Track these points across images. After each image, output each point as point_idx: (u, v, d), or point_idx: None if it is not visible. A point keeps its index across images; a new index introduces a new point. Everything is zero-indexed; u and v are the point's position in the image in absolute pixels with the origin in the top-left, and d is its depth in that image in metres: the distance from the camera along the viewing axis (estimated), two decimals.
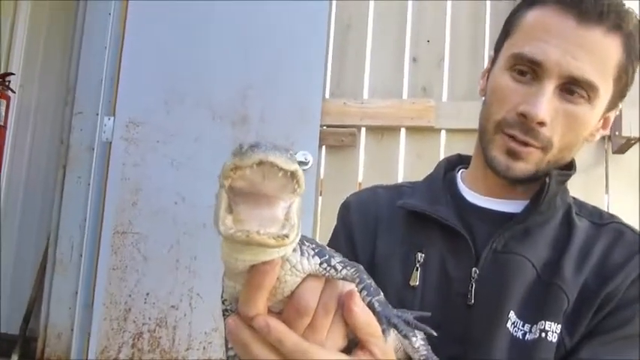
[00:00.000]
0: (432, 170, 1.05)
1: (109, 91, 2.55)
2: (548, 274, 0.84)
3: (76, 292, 2.46)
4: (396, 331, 0.60)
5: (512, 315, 0.83)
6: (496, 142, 0.87)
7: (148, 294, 2.38)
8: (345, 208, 1.06)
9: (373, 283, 0.61)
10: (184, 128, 2.43)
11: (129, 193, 2.44)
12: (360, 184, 2.37)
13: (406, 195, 1.00)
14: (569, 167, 0.92)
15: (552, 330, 0.80)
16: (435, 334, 0.60)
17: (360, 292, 0.60)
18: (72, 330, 2.45)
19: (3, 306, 3.08)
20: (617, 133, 2.18)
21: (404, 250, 0.92)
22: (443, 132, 2.34)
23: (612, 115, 0.91)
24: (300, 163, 2.18)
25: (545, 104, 0.82)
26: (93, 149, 2.52)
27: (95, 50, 2.58)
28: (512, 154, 0.86)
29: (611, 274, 0.83)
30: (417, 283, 0.89)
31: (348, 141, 2.38)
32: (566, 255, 0.85)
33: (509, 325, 0.82)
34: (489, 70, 0.94)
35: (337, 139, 2.39)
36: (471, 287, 0.86)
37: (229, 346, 0.65)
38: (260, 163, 0.47)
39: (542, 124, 0.83)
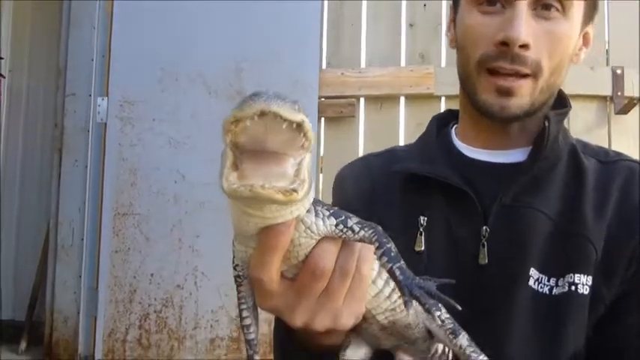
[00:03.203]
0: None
1: (101, 71, 2.53)
2: (568, 223, 0.82)
3: (80, 276, 2.47)
4: (418, 304, 0.57)
5: (533, 272, 0.81)
6: (482, 84, 0.84)
7: (152, 275, 2.39)
8: (339, 182, 1.04)
9: (394, 247, 0.59)
10: (180, 105, 2.42)
11: (127, 174, 2.44)
12: (367, 153, 2.34)
13: (401, 159, 0.98)
14: (564, 104, 0.90)
15: (582, 282, 0.78)
16: (459, 308, 0.57)
17: (380, 257, 0.58)
18: (78, 314, 2.47)
19: (9, 293, 3.10)
20: (619, 93, 2.18)
21: (405, 216, 0.91)
22: (443, 99, 2.33)
23: (590, 30, 0.89)
24: None
25: (524, 25, 0.79)
26: (88, 131, 2.51)
27: (84, 30, 2.55)
28: (503, 92, 0.82)
29: (636, 219, 0.81)
30: (423, 248, 0.87)
31: (347, 112, 2.38)
32: (582, 200, 0.83)
33: (531, 282, 0.80)
34: (454, 20, 0.91)
35: (336, 110, 2.38)
36: (483, 247, 0.84)
37: (244, 314, 0.63)
38: (262, 114, 0.44)
39: (525, 46, 0.80)
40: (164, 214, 2.39)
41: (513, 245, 0.83)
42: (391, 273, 0.57)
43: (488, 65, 0.82)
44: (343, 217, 0.58)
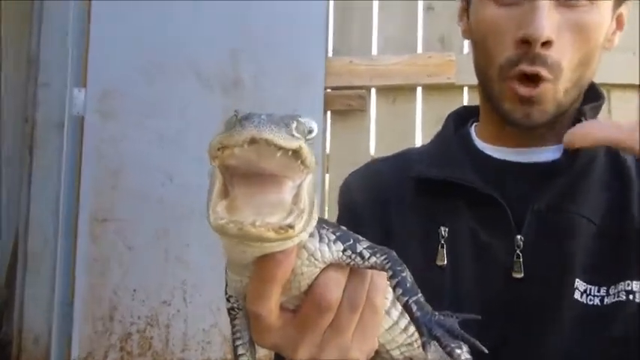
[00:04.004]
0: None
1: (78, 59, 2.49)
2: (616, 226, 0.82)
3: (53, 291, 2.44)
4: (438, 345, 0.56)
5: (579, 283, 0.81)
6: (505, 92, 0.85)
7: (135, 289, 2.37)
8: (346, 191, 1.05)
9: (410, 277, 0.59)
10: (168, 98, 2.41)
11: (108, 175, 2.42)
12: (372, 157, 2.36)
13: (415, 163, 0.99)
14: (597, 97, 0.90)
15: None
16: (486, 351, 0.56)
17: (394, 288, 0.58)
18: (50, 334, 2.42)
19: None
20: None
21: (423, 227, 0.91)
22: (466, 89, 2.30)
23: (625, 10, 0.88)
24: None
25: (546, 19, 0.79)
26: (63, 126, 2.47)
27: (58, 12, 2.49)
28: (526, 100, 0.84)
29: None
30: (445, 261, 0.88)
31: (357, 104, 2.36)
32: (629, 198, 0.83)
33: (577, 295, 0.80)
34: (466, 9, 0.92)
35: (344, 102, 2.37)
36: (517, 258, 0.83)
37: (240, 351, 0.64)
38: (252, 142, 0.45)
39: (548, 43, 0.80)
40: (149, 220, 2.37)
41: (553, 255, 0.82)
42: (407, 308, 0.57)
43: (510, 72, 0.84)
44: (351, 242, 0.59)
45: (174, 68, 2.41)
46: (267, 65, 2.35)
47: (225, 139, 0.46)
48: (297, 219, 0.49)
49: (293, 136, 0.47)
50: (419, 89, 2.36)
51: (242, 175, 0.50)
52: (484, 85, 0.91)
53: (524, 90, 0.83)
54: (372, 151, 2.36)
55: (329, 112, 2.39)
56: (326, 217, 2.28)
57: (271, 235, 0.47)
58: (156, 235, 2.37)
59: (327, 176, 2.36)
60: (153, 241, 2.37)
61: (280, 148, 0.45)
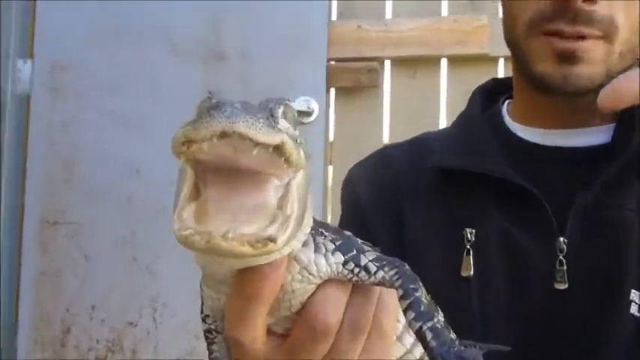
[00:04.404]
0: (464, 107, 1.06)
1: (24, 25, 2.47)
2: None
3: None
4: None
5: (635, 295, 0.81)
6: (536, 49, 0.86)
7: (94, 307, 2.35)
8: (350, 185, 1.08)
9: (424, 296, 0.59)
10: (135, 71, 2.39)
11: (60, 166, 2.39)
12: (385, 145, 2.31)
13: (434, 150, 1.00)
14: None
15: None
16: None
17: (405, 311, 0.58)
18: None
19: None
20: None
21: (444, 229, 0.93)
22: (501, 61, 2.28)
23: None
24: (302, 114, 2.24)
25: None
26: (4, 106, 2.42)
27: None
28: (566, 57, 0.83)
29: None
30: (471, 272, 0.89)
31: (367, 80, 2.33)
32: None
33: (634, 309, 0.80)
34: None
35: (351, 77, 2.34)
36: (560, 265, 0.84)
37: None
38: (223, 135, 0.45)
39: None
40: (111, 222, 2.35)
41: (603, 261, 0.83)
42: (420, 335, 0.57)
43: (542, 28, 0.85)
44: (354, 252, 0.59)
45: (142, 36, 2.39)
46: (256, 33, 2.33)
47: (190, 132, 0.46)
48: (281, 228, 0.48)
49: (274, 127, 0.47)
50: (443, 61, 2.33)
51: (216, 171, 0.50)
52: (512, 47, 0.92)
53: (563, 43, 0.83)
54: (386, 137, 2.34)
55: (332, 90, 2.36)
56: (329, 219, 2.40)
57: (246, 250, 0.46)
58: (120, 240, 2.34)
59: (329, 168, 2.34)
60: (116, 248, 2.34)
61: (257, 143, 0.45)
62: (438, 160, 0.97)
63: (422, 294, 0.59)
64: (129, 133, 2.38)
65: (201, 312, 0.64)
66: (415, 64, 2.34)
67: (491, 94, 1.06)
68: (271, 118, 0.49)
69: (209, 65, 2.37)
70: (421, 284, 0.60)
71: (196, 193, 0.51)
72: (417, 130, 1.19)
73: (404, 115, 2.35)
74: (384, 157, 1.08)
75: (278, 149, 0.47)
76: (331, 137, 2.36)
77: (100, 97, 2.40)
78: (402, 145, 1.10)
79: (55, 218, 2.39)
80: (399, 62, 2.37)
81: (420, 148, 1.05)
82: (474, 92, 1.07)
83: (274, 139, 0.46)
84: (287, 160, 0.48)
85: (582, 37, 0.82)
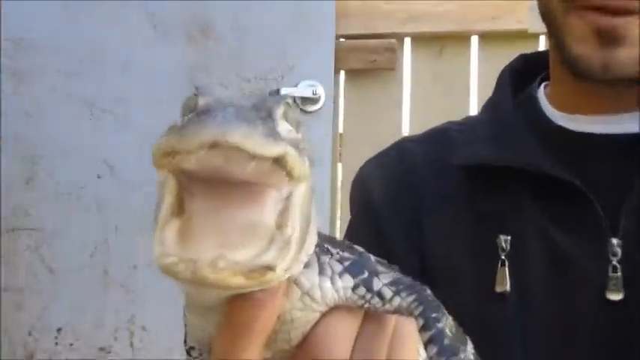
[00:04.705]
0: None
1: None
2: None
3: None
4: None
5: None
6: (573, 27, 0.87)
7: (60, 329, 2.33)
8: (361, 186, 1.09)
9: (449, 326, 0.61)
10: (107, 51, 2.38)
11: (19, 164, 2.37)
12: (403, 137, 2.34)
13: (459, 143, 1.02)
14: None
15: None
16: None
17: (427, 345, 0.60)
18: None
19: None
20: None
21: (473, 236, 0.94)
22: (542, 38, 2.28)
23: None
24: (307, 101, 2.26)
25: None
26: None
27: None
28: (606, 36, 0.84)
29: None
30: (507, 287, 0.90)
31: (384, 60, 2.32)
32: None
33: None
34: None
35: (365, 58, 2.33)
36: (614, 271, 0.85)
37: None
38: (214, 146, 0.44)
39: None
40: (80, 229, 2.34)
41: None
42: None
43: (581, 1, 0.86)
44: (366, 275, 0.60)
45: (118, 10, 2.38)
46: (251, 3, 2.32)
47: (175, 143, 0.45)
48: (282, 254, 0.49)
49: (274, 135, 0.47)
50: (474, 39, 2.34)
51: (204, 181, 0.50)
52: (547, 23, 0.93)
53: (603, 19, 0.84)
54: (406, 128, 2.34)
55: (342, 73, 2.36)
56: (338, 223, 2.35)
57: (239, 281, 0.47)
58: (90, 251, 2.33)
59: (339, 166, 2.34)
60: (86, 259, 2.33)
61: (254, 155, 0.45)
62: (464, 154, 0.98)
63: (446, 324, 0.60)
64: (102, 123, 2.36)
65: (185, 343, 0.65)
66: (441, 42, 2.35)
67: (522, 74, 1.07)
68: (270, 120, 0.49)
69: (194, 43, 2.36)
70: (445, 312, 0.61)
71: (180, 208, 0.50)
72: (443, 120, 1.20)
73: (427, 102, 2.34)
74: (401, 152, 1.09)
75: (278, 161, 0.46)
76: (341, 129, 2.36)
77: (68, 80, 2.37)
78: (420, 138, 1.11)
79: (15, 224, 2.36)
80: (421, 40, 2.37)
81: (442, 141, 1.06)
82: (502, 73, 1.08)
83: (274, 150, 0.46)
84: (289, 173, 0.47)
85: (627, 13, 0.83)
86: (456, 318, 0.65)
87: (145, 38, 2.38)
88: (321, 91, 2.27)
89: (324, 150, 2.26)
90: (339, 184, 2.34)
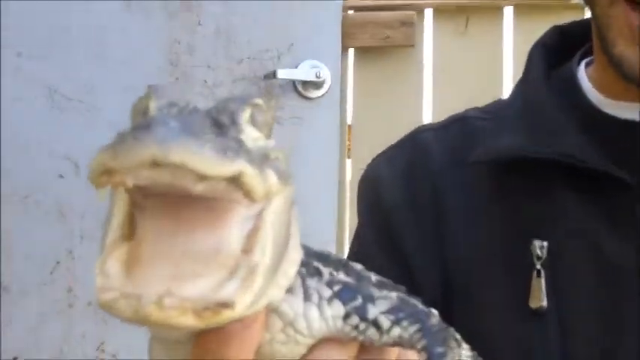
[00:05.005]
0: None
1: None
2: None
3: None
4: None
5: None
6: (615, 22, 0.90)
7: (16, 359, 2.29)
8: (369, 187, 1.12)
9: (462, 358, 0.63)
10: (71, 28, 2.35)
11: None
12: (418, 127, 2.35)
13: (485, 132, 1.04)
14: None
15: None
16: None
17: None
18: None
19: None
20: None
21: (503, 241, 0.96)
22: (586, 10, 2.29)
23: None
24: (309, 86, 2.27)
25: None
26: None
27: None
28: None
29: None
30: (543, 302, 0.91)
31: (400, 37, 2.34)
32: None
33: None
34: None
35: (378, 33, 2.35)
36: None
37: None
38: (155, 164, 0.45)
39: None
40: (39, 240, 2.30)
41: None
42: None
43: None
44: (359, 302, 0.61)
45: None
46: None
47: (108, 161, 0.45)
48: (245, 285, 0.48)
49: (227, 151, 0.46)
50: (507, 10, 2.39)
51: (160, 196, 0.50)
52: (594, 16, 0.96)
53: (634, 16, 0.87)
54: (427, 115, 2.37)
55: (351, 51, 2.38)
56: (346, 230, 2.32)
57: (188, 321, 0.46)
58: (52, 265, 2.30)
59: (348, 163, 2.35)
60: (46, 276, 2.29)
61: (204, 176, 0.45)
62: (492, 147, 0.99)
63: (455, 358, 0.61)
64: (66, 113, 2.33)
65: None
66: (467, 13, 2.38)
67: (557, 50, 1.08)
68: (232, 128, 0.50)
69: (175, 19, 2.34)
70: (455, 344, 0.63)
71: (131, 229, 0.51)
72: (471, 105, 1.19)
73: (452, 86, 2.37)
74: (416, 144, 1.10)
75: (234, 180, 0.47)
76: (349, 119, 2.37)
77: (24, 62, 2.34)
78: (438, 127, 1.13)
79: None
80: (444, 12, 2.41)
81: (464, 130, 1.07)
82: (533, 50, 1.09)
83: (225, 169, 0.46)
84: (247, 195, 0.48)
85: None
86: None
87: (120, 17, 2.36)
88: (325, 74, 2.25)
89: (329, 143, 2.25)
90: (347, 183, 2.34)
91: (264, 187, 0.48)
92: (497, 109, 1.10)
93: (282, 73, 2.21)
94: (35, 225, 2.31)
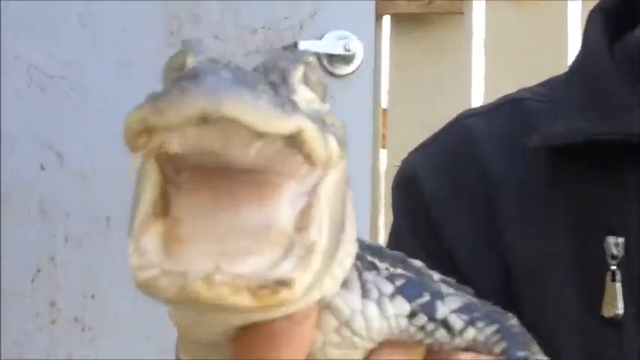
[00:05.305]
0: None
1: None
2: None
3: None
4: None
5: None
6: None
7: None
8: (409, 182, 1.14)
9: None
10: (58, 4, 2.36)
11: None
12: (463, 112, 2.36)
13: (542, 115, 1.05)
14: None
15: None
16: None
17: None
18: None
19: None
20: None
21: (570, 238, 0.98)
22: None
23: None
24: (336, 61, 2.26)
25: None
26: None
27: None
28: None
29: None
30: (620, 309, 0.92)
31: (446, 3, 2.37)
32: None
33: None
34: None
35: (416, 1, 2.35)
36: None
37: None
38: (204, 120, 0.45)
39: None
40: (18, 243, 2.29)
41: None
42: None
43: None
44: (427, 298, 0.62)
45: None
46: None
47: (150, 117, 0.46)
48: (303, 265, 0.49)
49: (287, 105, 0.47)
50: None
51: (196, 169, 0.51)
52: None
53: None
54: (477, 99, 2.37)
55: (386, 19, 2.39)
56: (380, 228, 2.36)
57: (244, 301, 0.47)
58: (32, 273, 2.30)
59: (382, 153, 2.37)
60: (26, 285, 2.30)
61: (259, 134, 0.45)
62: (550, 131, 0.99)
63: None
64: (49, 94, 2.34)
65: None
66: None
67: (619, 15, 1.07)
68: (283, 86, 0.50)
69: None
70: (538, 348, 0.63)
71: (164, 207, 0.52)
72: (529, 83, 1.20)
73: (508, 62, 2.40)
74: (461, 132, 1.11)
75: (294, 140, 0.47)
76: (384, 101, 2.37)
77: (4, 37, 2.34)
78: (487, 111, 1.14)
79: None
80: None
81: (517, 114, 1.08)
82: (590, 16, 1.09)
83: (286, 125, 0.46)
84: (307, 157, 0.48)
85: None
86: (549, 350, 0.65)
87: None
88: (356, 47, 2.24)
89: (361, 130, 2.24)
90: (381, 175, 2.34)
91: (327, 151, 0.49)
92: (553, 87, 1.10)
93: (304, 46, 2.19)
94: (12, 225, 2.31)
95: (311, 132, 0.47)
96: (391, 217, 1.24)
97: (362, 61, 2.26)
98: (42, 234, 2.31)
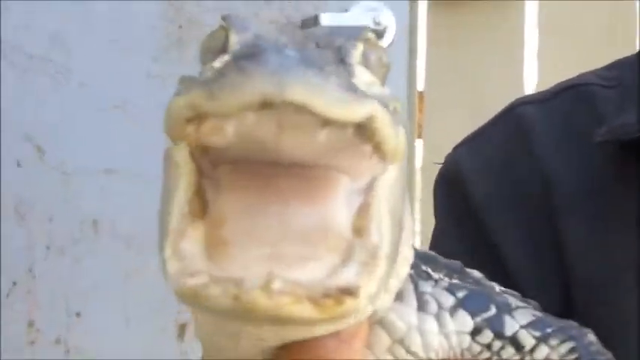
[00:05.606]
0: None
1: None
2: None
3: None
4: None
5: None
6: None
7: None
8: (454, 180, 1.18)
9: None
10: None
11: None
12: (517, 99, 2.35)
13: (609, 104, 1.09)
14: None
15: None
16: None
17: None
18: None
19: None
20: None
21: (638, 238, 1.01)
22: None
23: None
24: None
25: None
26: None
27: None
28: None
29: None
30: None
31: None
32: None
33: None
34: None
35: None
36: None
37: None
38: (266, 105, 0.47)
39: None
40: None
41: None
42: None
43: None
44: (493, 312, 0.66)
45: None
46: None
47: (204, 102, 0.48)
48: (367, 271, 0.51)
49: (355, 90, 0.49)
50: None
51: (238, 165, 0.54)
52: None
53: None
54: (531, 84, 2.36)
55: (426, 2, 2.34)
56: (416, 227, 2.43)
57: (306, 311, 0.49)
58: (7, 287, 2.35)
59: (419, 143, 2.35)
60: (1, 301, 2.33)
61: (327, 120, 0.47)
62: (619, 124, 1.02)
63: None
64: (28, 76, 2.41)
65: None
66: None
67: None
68: (342, 68, 0.52)
69: None
70: None
71: (201, 206, 0.54)
72: (588, 68, 1.25)
73: (565, 45, 2.41)
74: (514, 122, 1.15)
75: (362, 129, 0.49)
76: (421, 84, 2.34)
77: None
78: (544, 99, 1.17)
79: None
80: None
81: (580, 101, 1.12)
82: None
83: (357, 111, 0.48)
84: (378, 147, 0.51)
85: None
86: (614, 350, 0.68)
87: None
88: (388, 20, 2.27)
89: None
90: (417, 170, 2.31)
91: (397, 141, 0.51)
92: (620, 71, 1.12)
93: (327, 19, 2.22)
94: None
95: (382, 119, 0.49)
96: (428, 217, 1.30)
97: (395, 37, 2.27)
98: (19, 241, 2.35)
